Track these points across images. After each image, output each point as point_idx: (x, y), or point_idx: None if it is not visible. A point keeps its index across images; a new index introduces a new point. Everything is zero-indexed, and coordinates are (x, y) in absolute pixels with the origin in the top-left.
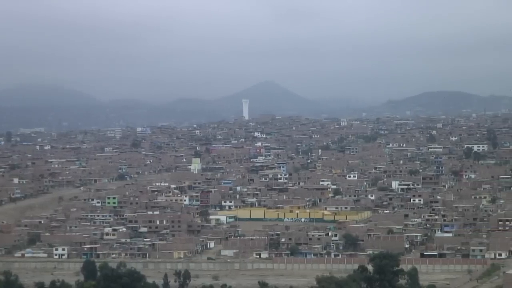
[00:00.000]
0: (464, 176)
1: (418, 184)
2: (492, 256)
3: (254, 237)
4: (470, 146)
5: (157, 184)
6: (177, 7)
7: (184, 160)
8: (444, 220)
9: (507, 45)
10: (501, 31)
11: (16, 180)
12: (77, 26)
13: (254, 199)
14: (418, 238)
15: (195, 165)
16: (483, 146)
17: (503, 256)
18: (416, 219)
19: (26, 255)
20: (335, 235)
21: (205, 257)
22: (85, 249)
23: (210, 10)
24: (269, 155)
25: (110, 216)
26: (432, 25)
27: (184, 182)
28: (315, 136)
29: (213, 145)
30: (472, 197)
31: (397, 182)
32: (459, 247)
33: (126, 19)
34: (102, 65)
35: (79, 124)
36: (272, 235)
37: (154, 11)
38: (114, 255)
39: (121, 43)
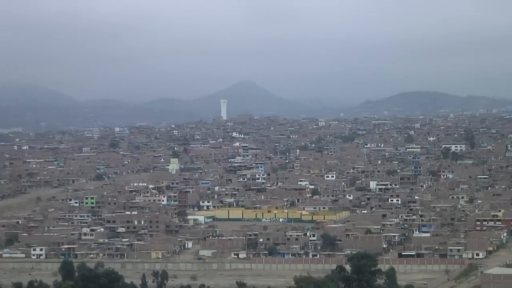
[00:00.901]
0: (441, 176)
1: (396, 184)
2: (470, 256)
3: (232, 237)
4: (447, 146)
5: (135, 184)
6: (156, 7)
7: (162, 160)
8: (422, 220)
9: (484, 45)
10: (478, 31)
11: None
12: (55, 25)
13: (232, 199)
14: (396, 238)
15: (173, 165)
16: (460, 146)
17: (480, 256)
18: (394, 219)
19: (4, 255)
20: (313, 235)
21: (190, 257)
22: (63, 249)
23: (189, 10)
24: (247, 155)
25: (88, 216)
26: (409, 26)
27: (162, 182)
28: (293, 136)
29: (191, 145)
30: (450, 197)
31: (375, 182)
32: (436, 247)
33: (105, 19)
34: (80, 65)
35: (57, 124)
36: (250, 235)
37: (133, 11)
38: (92, 255)
39: (100, 43)
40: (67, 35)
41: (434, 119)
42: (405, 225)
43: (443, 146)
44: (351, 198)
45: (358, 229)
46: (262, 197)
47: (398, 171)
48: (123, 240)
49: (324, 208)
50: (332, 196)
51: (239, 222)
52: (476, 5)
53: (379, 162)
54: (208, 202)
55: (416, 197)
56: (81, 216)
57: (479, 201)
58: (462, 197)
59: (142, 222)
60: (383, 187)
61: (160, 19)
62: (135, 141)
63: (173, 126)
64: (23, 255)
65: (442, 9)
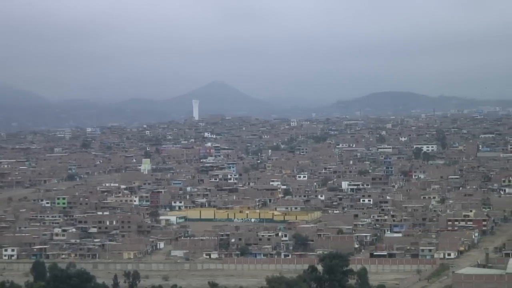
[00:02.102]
0: (413, 176)
1: (367, 185)
2: (441, 256)
3: (204, 238)
4: (419, 146)
5: (107, 184)
6: (126, 7)
7: (134, 160)
8: (394, 220)
9: (455, 46)
10: (450, 33)
11: None
12: (26, 25)
13: (204, 200)
14: (368, 238)
15: (145, 166)
16: (432, 147)
17: (452, 256)
18: (365, 219)
19: None
20: (285, 235)
21: (162, 257)
22: (35, 249)
23: (160, 10)
24: (219, 156)
25: (59, 216)
26: (381, 27)
27: (134, 183)
28: (265, 136)
29: (163, 146)
30: (421, 197)
31: (347, 183)
32: (408, 247)
33: (76, 18)
34: (52, 65)
35: (29, 124)
36: (222, 235)
37: (104, 10)
38: (63, 256)
39: (71, 43)
40: (38, 34)
41: (406, 120)
42: (376, 225)
43: (414, 146)
44: (323, 198)
45: (330, 229)
46: (234, 198)
47: (370, 171)
48: (95, 240)
49: (296, 208)
50: (304, 196)
51: (211, 223)
52: (448, 7)
53: (351, 162)
54: (180, 202)
55: (387, 197)
56: (52, 217)
57: (450, 201)
58: (434, 197)
59: (114, 223)
60: (355, 187)
61: (130, 19)
62: (107, 141)
63: (145, 126)
64: None
65: (413, 10)
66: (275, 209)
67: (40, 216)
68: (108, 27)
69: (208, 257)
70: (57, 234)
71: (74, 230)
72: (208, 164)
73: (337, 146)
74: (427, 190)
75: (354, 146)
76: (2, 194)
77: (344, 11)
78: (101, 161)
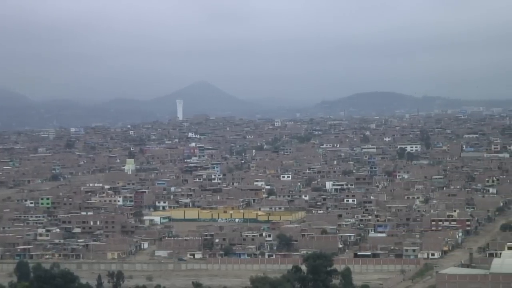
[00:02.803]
0: (397, 177)
1: (351, 185)
2: (425, 256)
3: (188, 238)
4: (403, 146)
5: (91, 184)
6: (110, 7)
7: (118, 160)
8: (378, 220)
9: (439, 45)
10: (433, 31)
11: None
12: (9, 24)
13: (188, 200)
14: (352, 238)
15: (129, 166)
16: (416, 147)
17: (436, 256)
18: (349, 219)
19: None
20: (269, 236)
21: (146, 258)
22: (18, 250)
23: (144, 10)
24: (203, 156)
25: (43, 217)
26: (364, 26)
27: (118, 183)
28: (249, 136)
29: (147, 146)
30: (405, 197)
31: (331, 183)
32: (392, 247)
33: (61, 18)
34: (35, 65)
35: (13, 124)
36: (206, 235)
37: (88, 11)
38: (47, 256)
39: (56, 43)
40: (22, 35)
41: (390, 120)
42: (360, 225)
43: (398, 146)
44: (307, 198)
45: (314, 229)
46: (218, 198)
47: (354, 171)
48: (79, 240)
49: (280, 208)
50: (288, 196)
51: (195, 223)
52: (431, 8)
53: (335, 162)
54: (164, 202)
55: (371, 197)
56: (36, 217)
57: (434, 201)
58: (418, 197)
59: (98, 223)
60: (339, 187)
61: (115, 20)
62: (91, 141)
63: (129, 126)
64: None
65: (397, 11)
66: (259, 209)
67: (24, 216)
68: (92, 27)
69: (192, 257)
70: (41, 234)
71: (58, 230)
72: (192, 164)
73: (321, 146)
74: (411, 190)
75: (338, 146)
76: None
77: (328, 13)
78: (85, 161)
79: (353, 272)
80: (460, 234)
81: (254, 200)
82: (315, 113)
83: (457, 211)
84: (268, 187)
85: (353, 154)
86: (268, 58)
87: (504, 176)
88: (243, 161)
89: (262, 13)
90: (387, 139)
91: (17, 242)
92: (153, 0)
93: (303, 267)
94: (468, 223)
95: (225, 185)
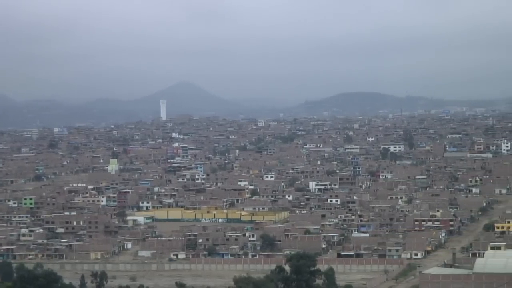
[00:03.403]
0: (380, 177)
1: (335, 185)
2: (408, 256)
3: (172, 238)
4: (386, 146)
5: (74, 184)
6: (93, 7)
7: (102, 160)
8: (361, 221)
9: (422, 46)
10: (415, 32)
11: None
12: None
13: (171, 200)
14: (335, 238)
15: (113, 166)
16: (399, 147)
17: (419, 256)
18: (333, 220)
19: None
20: (253, 236)
21: (129, 258)
22: (2, 250)
23: (127, 9)
24: (187, 156)
25: (26, 217)
26: (347, 26)
27: (101, 183)
28: (233, 136)
29: (131, 146)
30: (389, 197)
31: (314, 183)
32: (375, 247)
33: (43, 19)
34: (18, 65)
35: None
36: (190, 235)
37: (70, 10)
38: (30, 256)
39: (37, 43)
40: (3, 34)
41: (373, 120)
42: (344, 225)
43: (382, 146)
44: (290, 198)
45: (297, 229)
46: (202, 198)
47: (337, 171)
48: (62, 240)
49: (263, 208)
50: (272, 196)
51: (179, 223)
52: (414, 8)
53: (318, 162)
54: (148, 202)
55: (355, 198)
56: (19, 217)
57: (417, 201)
58: (401, 197)
59: (81, 223)
60: (322, 187)
61: (97, 19)
62: (74, 141)
63: (112, 126)
64: None
65: (380, 11)
66: (243, 209)
67: (7, 217)
68: (74, 27)
69: (175, 257)
70: (24, 235)
71: (41, 230)
72: (175, 164)
73: (304, 146)
74: (394, 190)
75: (321, 146)
76: None
77: (312, 13)
78: (68, 162)
79: (336, 272)
80: (443, 234)
81: (237, 200)
82: (298, 113)
83: (440, 211)
84: (252, 187)
85: (336, 154)
86: (251, 58)
87: (487, 176)
88: (226, 161)
89: (245, 13)
90: (370, 139)
91: (0, 242)
92: (136, 0)
93: (287, 267)
94: (451, 223)
95: (208, 185)
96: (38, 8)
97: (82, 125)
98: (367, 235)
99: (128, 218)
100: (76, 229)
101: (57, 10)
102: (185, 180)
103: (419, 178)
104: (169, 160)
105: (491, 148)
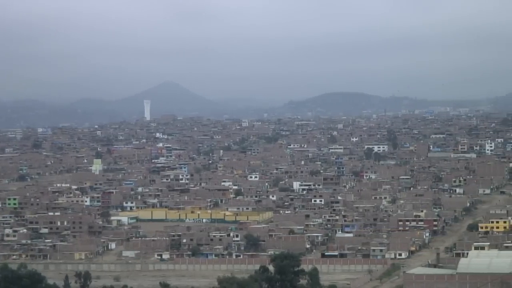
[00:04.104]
0: (364, 177)
1: (319, 185)
2: (392, 256)
3: (156, 238)
4: (370, 146)
5: (58, 185)
6: (77, 7)
7: (85, 161)
8: (345, 221)
9: (406, 46)
10: (398, 32)
11: None
12: None
13: (155, 200)
14: (319, 238)
15: (96, 166)
16: (383, 147)
17: (403, 256)
18: (317, 220)
19: None
20: (237, 236)
21: (113, 258)
22: None
23: (110, 10)
24: (171, 156)
25: (10, 217)
26: (331, 26)
27: (85, 183)
28: (217, 137)
29: (115, 146)
30: (373, 197)
31: (298, 183)
32: (359, 247)
33: (26, 19)
34: (2, 65)
35: None
36: (174, 236)
37: (55, 11)
38: (14, 257)
39: (22, 44)
40: None
41: (357, 120)
42: (328, 225)
43: (365, 146)
44: (274, 198)
45: (281, 229)
46: (186, 198)
47: (321, 171)
48: (46, 241)
49: (247, 208)
50: (256, 196)
51: (163, 223)
52: (398, 8)
53: (302, 162)
54: (132, 202)
55: (339, 198)
56: (3, 217)
57: (401, 202)
58: (385, 198)
59: (65, 223)
60: (306, 187)
61: (81, 20)
62: (58, 141)
63: (96, 126)
64: None
65: (364, 11)
66: (227, 209)
67: None
68: (57, 26)
69: (159, 257)
70: (7, 235)
71: (25, 230)
72: (159, 165)
73: (288, 147)
74: (378, 190)
75: (305, 146)
76: None
77: (295, 13)
78: (52, 162)
79: (320, 272)
80: (427, 234)
81: (221, 201)
82: (282, 113)
83: (424, 211)
84: (236, 187)
85: (320, 154)
86: (236, 58)
87: (471, 176)
88: (210, 162)
89: (230, 13)
90: (354, 139)
91: None
92: (119, 0)
93: (271, 267)
94: (435, 223)
95: (192, 186)
96: (21, 7)
97: (66, 125)
98: (351, 235)
99: (112, 218)
100: (60, 229)
101: (41, 10)
102: (169, 180)
103: (403, 178)
104: (153, 160)
105: (474, 148)
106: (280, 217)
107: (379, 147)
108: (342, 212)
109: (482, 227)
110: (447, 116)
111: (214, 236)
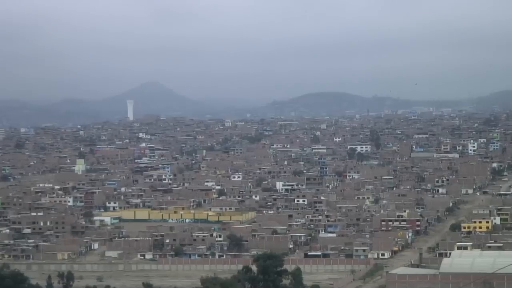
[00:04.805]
0: (347, 177)
1: (302, 185)
2: (375, 256)
3: (139, 238)
4: (353, 147)
5: (41, 185)
6: (58, 7)
7: (68, 161)
8: (328, 221)
9: (388, 46)
10: (381, 33)
11: None
12: None
13: (138, 200)
14: (302, 238)
15: (79, 166)
16: (366, 147)
17: (386, 256)
18: (300, 220)
19: None
20: (220, 236)
21: (96, 258)
22: None
23: (91, 10)
24: (154, 156)
25: None
26: (314, 25)
27: (68, 183)
28: (200, 137)
29: (98, 146)
30: (355, 197)
31: (281, 183)
32: (342, 247)
33: (8, 18)
34: None
35: None
36: (157, 236)
37: (35, 9)
38: None
39: (4, 43)
40: None
41: (340, 120)
42: (311, 225)
43: (348, 146)
44: (257, 198)
45: (264, 229)
46: (169, 198)
47: (304, 171)
48: (29, 241)
49: (230, 208)
50: (239, 196)
51: (146, 223)
52: (379, 8)
53: (286, 162)
54: (115, 203)
55: (322, 198)
56: None
57: (384, 202)
58: (368, 198)
59: (48, 223)
60: (289, 187)
61: (62, 19)
62: (41, 141)
63: (79, 126)
64: None
65: (345, 12)
66: (210, 209)
67: None
68: (39, 26)
69: (142, 257)
70: None
71: (7, 231)
72: (142, 165)
73: (271, 147)
74: (361, 191)
75: (288, 146)
76: None
77: (278, 13)
78: (35, 162)
79: (303, 272)
80: (410, 234)
81: (204, 201)
82: (265, 114)
83: (407, 211)
84: (219, 187)
85: (303, 154)
86: (219, 58)
87: (454, 176)
88: (193, 162)
89: (212, 13)
90: (337, 139)
91: None
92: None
93: (254, 268)
94: (418, 223)
95: (175, 186)
96: (2, 7)
97: (48, 125)
98: (334, 235)
99: (95, 218)
100: (43, 230)
101: (22, 8)
102: (152, 181)
103: (386, 178)
104: (136, 161)
105: (457, 148)
106: (263, 217)
107: (362, 147)
108: (325, 212)
109: (464, 227)
110: (430, 116)
111: (197, 236)
